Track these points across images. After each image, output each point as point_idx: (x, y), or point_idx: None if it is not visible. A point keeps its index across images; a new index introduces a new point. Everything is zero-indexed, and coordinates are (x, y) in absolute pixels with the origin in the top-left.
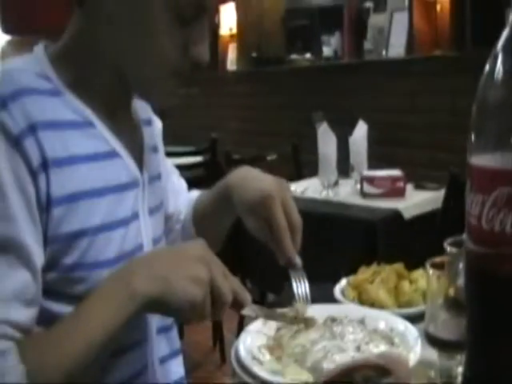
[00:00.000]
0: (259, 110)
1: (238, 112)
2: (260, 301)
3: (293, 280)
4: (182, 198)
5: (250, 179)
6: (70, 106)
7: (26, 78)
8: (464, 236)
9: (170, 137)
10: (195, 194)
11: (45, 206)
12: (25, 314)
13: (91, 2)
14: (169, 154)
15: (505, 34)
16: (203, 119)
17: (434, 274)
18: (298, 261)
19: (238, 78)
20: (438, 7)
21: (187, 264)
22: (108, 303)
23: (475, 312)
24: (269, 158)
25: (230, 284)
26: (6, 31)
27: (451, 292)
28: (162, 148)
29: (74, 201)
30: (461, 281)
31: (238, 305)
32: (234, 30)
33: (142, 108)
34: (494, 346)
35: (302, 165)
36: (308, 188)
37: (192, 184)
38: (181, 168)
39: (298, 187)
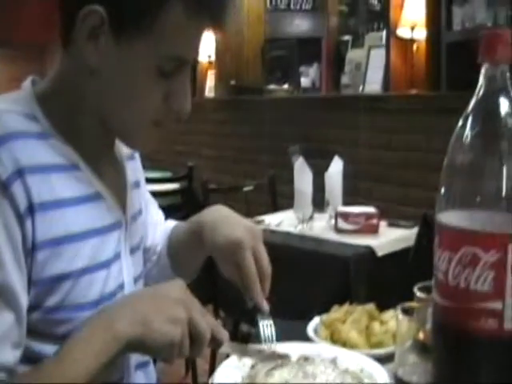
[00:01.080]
0: (236, 138)
1: (215, 139)
2: (233, 331)
3: (260, 325)
4: (159, 229)
5: (222, 223)
6: (56, 150)
7: (14, 121)
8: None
9: (146, 161)
10: (171, 224)
11: (30, 249)
12: (11, 356)
13: (75, 50)
14: (146, 180)
15: (473, 100)
16: (180, 145)
17: (404, 320)
18: (266, 307)
19: (215, 105)
20: (415, 47)
21: (166, 306)
22: (91, 346)
23: (440, 360)
24: (245, 188)
25: (208, 323)
26: None
27: (420, 336)
28: (143, 180)
29: (59, 245)
30: (429, 325)
31: (215, 343)
32: (213, 58)
33: None
34: None
35: (278, 194)
36: (283, 221)
37: (168, 211)
38: (157, 195)
39: (273, 220)
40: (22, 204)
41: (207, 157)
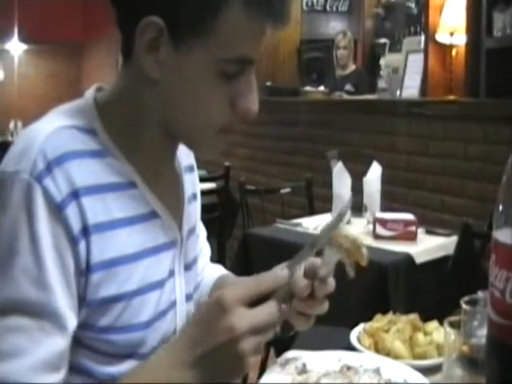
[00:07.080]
0: (272, 139)
1: (250, 140)
2: None
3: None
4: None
5: None
6: (113, 168)
7: (73, 139)
8: (479, 293)
9: None
10: (217, 272)
11: (84, 271)
12: (54, 378)
13: (135, 62)
14: None
15: None
16: None
17: (451, 333)
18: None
19: None
20: (454, 52)
21: (219, 350)
22: None
23: (494, 377)
24: (282, 190)
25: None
26: (23, 40)
27: (465, 350)
28: (199, 193)
29: (113, 266)
30: (475, 339)
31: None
32: None
33: (185, 154)
34: None
35: (315, 197)
36: (320, 225)
37: (205, 210)
38: None
39: (310, 223)
40: (76, 226)
41: (241, 157)
